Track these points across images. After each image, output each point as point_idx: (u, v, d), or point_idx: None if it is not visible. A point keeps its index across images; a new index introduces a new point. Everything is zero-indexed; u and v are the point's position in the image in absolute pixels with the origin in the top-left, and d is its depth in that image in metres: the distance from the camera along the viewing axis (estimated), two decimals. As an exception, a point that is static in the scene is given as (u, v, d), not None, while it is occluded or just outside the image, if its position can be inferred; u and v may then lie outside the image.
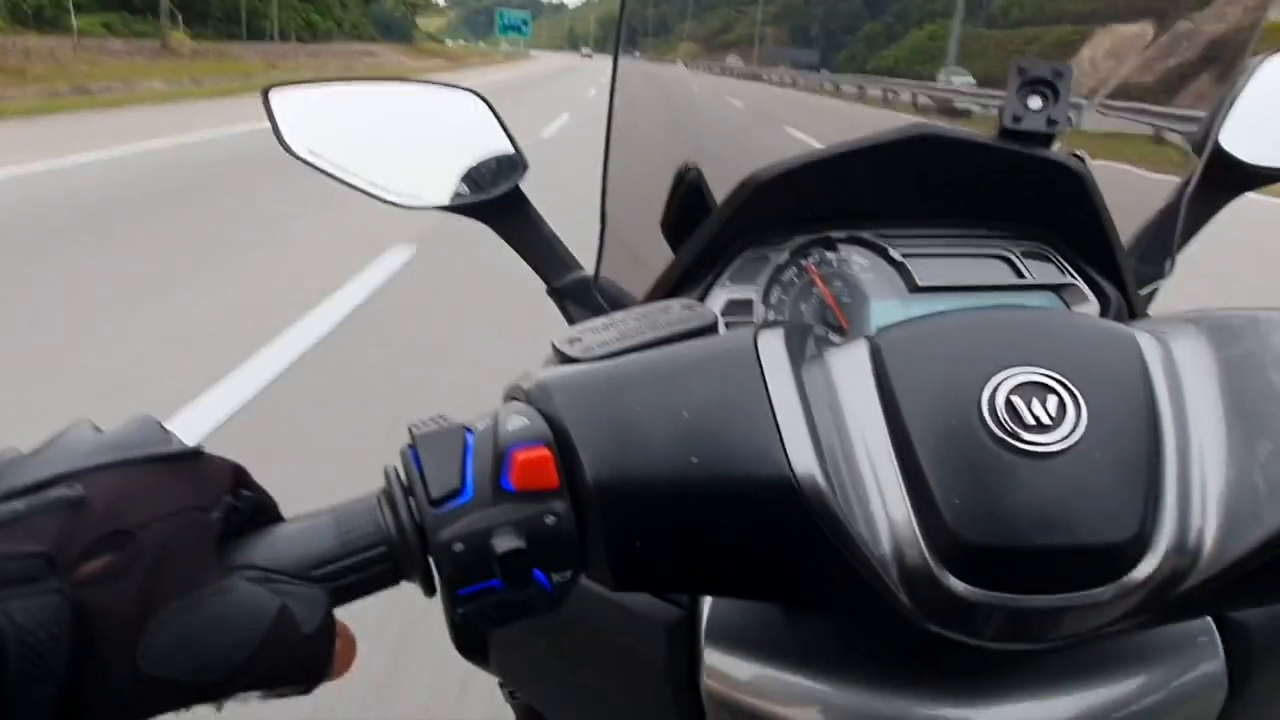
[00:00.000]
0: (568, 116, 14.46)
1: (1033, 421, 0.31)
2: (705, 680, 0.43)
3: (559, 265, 0.73)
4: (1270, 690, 0.43)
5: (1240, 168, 0.70)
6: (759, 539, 0.32)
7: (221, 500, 0.30)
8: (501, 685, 0.62)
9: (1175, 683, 0.41)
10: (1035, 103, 0.56)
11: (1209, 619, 0.42)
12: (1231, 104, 0.70)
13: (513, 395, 0.35)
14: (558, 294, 0.73)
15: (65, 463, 0.28)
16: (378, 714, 1.63)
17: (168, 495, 0.29)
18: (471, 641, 0.54)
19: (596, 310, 0.71)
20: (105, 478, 0.28)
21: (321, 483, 2.26)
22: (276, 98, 0.72)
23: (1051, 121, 0.56)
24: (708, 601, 0.44)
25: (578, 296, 0.72)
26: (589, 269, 0.72)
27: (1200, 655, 0.41)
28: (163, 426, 0.31)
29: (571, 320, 0.73)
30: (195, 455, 0.31)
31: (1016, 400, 0.31)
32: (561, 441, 0.32)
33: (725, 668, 0.42)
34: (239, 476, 0.32)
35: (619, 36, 0.64)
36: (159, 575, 0.27)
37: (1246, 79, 0.70)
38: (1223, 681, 0.41)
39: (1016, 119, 0.56)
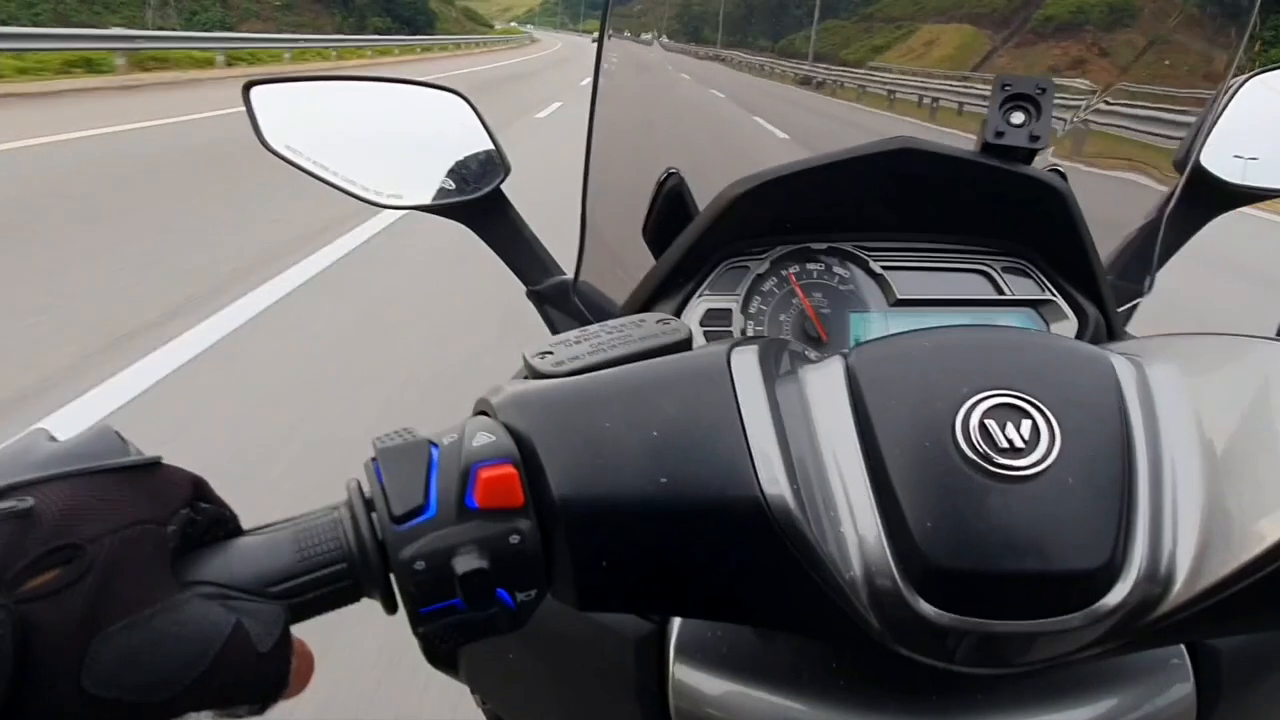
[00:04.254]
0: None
1: (1006, 445, 0.31)
2: (674, 696, 0.42)
3: (539, 268, 0.73)
4: (1238, 713, 0.43)
5: (1221, 187, 0.70)
6: (728, 561, 0.31)
7: (178, 513, 0.30)
8: (473, 692, 0.62)
9: (1145, 706, 0.40)
10: (1018, 118, 0.56)
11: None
12: (1213, 124, 0.70)
13: (481, 410, 0.34)
14: (537, 297, 0.73)
15: (16, 473, 0.27)
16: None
17: (122, 507, 0.28)
18: (440, 652, 0.53)
19: (576, 314, 0.70)
20: (56, 489, 0.27)
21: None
22: (256, 93, 0.71)
23: (1034, 137, 0.56)
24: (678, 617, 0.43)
25: (557, 300, 0.72)
26: (570, 272, 0.71)
27: (1170, 679, 0.41)
28: (121, 437, 0.31)
29: (551, 323, 0.72)
30: (153, 466, 0.30)
31: (990, 423, 0.31)
32: (528, 459, 0.31)
33: (694, 684, 0.42)
34: (198, 488, 0.31)
35: (601, 40, 0.64)
36: (108, 591, 0.27)
37: (1229, 99, 0.71)
38: (1191, 706, 0.41)
39: (999, 134, 0.56)
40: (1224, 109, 0.70)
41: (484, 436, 0.31)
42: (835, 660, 0.40)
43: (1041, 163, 0.60)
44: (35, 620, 0.26)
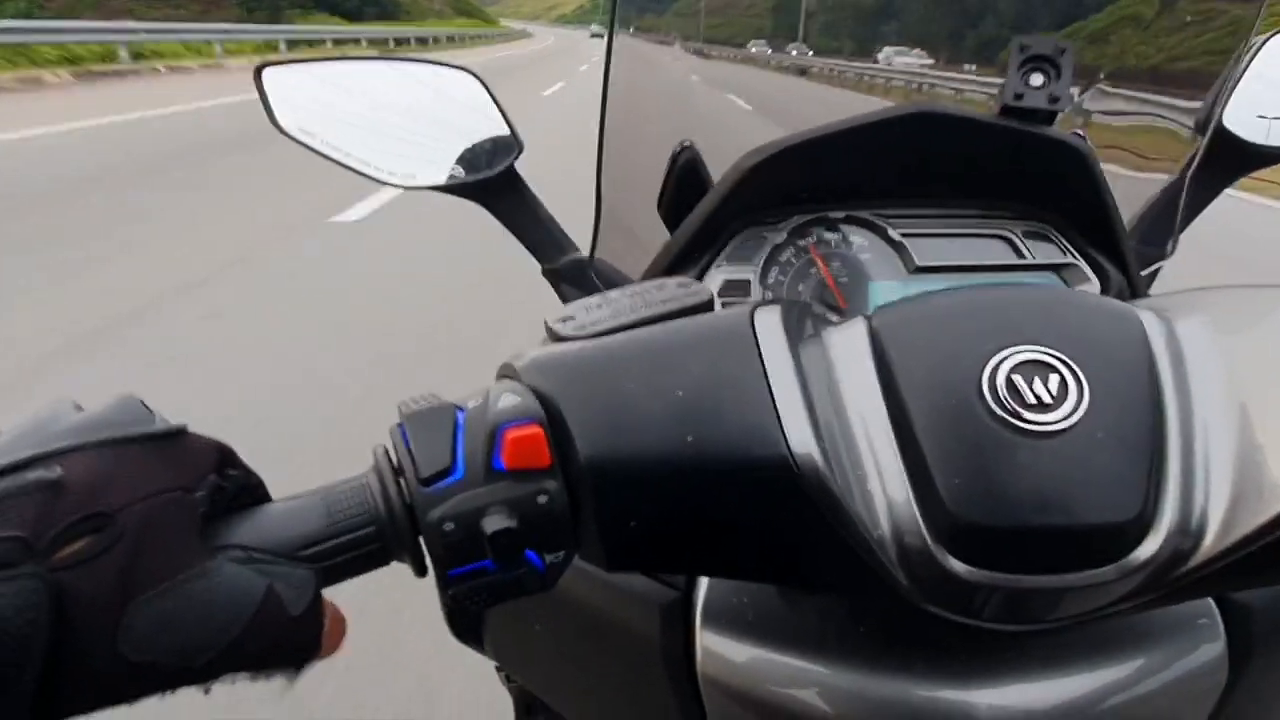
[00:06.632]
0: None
1: (1034, 400, 0.30)
2: (701, 662, 0.42)
3: (554, 247, 0.73)
4: (1271, 671, 0.43)
5: (1243, 147, 0.69)
6: (755, 519, 0.31)
7: (206, 480, 0.30)
8: (498, 669, 0.62)
9: (1176, 664, 0.40)
10: (1036, 80, 0.55)
11: (1210, 600, 0.42)
12: (1235, 83, 0.69)
13: (505, 374, 0.34)
14: (553, 275, 0.73)
15: (43, 443, 0.28)
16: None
17: (149, 475, 0.28)
18: (466, 625, 0.53)
19: (592, 292, 0.70)
20: (84, 458, 0.28)
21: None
22: (269, 75, 0.71)
23: (1053, 99, 0.55)
24: (704, 583, 0.43)
25: (573, 278, 0.72)
26: (585, 251, 0.71)
27: (1201, 637, 0.41)
28: (146, 405, 0.31)
29: (567, 301, 0.72)
30: (179, 434, 0.30)
31: (1018, 379, 0.31)
32: (554, 420, 0.31)
33: (721, 649, 0.42)
34: (225, 455, 0.31)
35: (613, 13, 0.63)
36: (140, 558, 0.27)
37: (1251, 57, 0.69)
38: (1223, 663, 0.41)
39: (1018, 96, 0.55)
40: (1246, 68, 0.69)
41: (510, 398, 0.31)
42: (862, 623, 0.40)
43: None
44: (70, 589, 0.26)
